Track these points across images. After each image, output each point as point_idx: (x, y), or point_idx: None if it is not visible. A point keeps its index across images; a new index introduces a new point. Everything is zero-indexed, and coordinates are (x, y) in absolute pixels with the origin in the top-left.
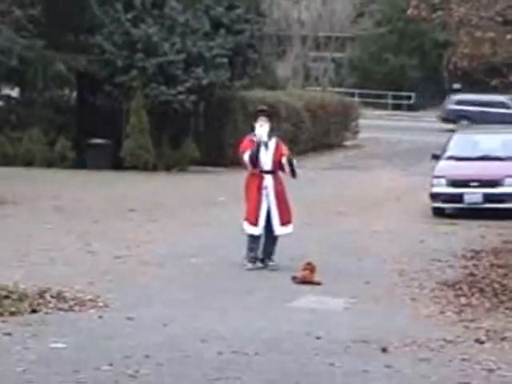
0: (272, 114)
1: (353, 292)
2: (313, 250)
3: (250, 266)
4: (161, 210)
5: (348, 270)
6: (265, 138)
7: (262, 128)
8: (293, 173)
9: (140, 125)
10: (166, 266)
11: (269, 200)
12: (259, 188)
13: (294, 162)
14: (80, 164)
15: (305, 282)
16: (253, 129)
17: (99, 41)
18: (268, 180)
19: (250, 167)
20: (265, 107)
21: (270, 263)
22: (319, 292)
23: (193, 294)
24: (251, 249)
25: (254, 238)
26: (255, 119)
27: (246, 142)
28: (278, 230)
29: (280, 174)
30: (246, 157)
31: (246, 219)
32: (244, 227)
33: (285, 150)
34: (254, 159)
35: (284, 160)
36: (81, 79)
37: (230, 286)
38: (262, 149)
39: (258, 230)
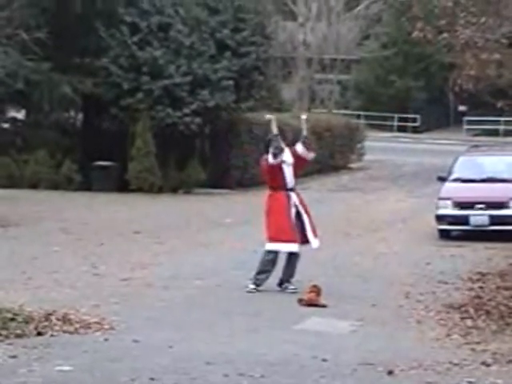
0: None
1: (359, 314)
2: (318, 272)
3: (252, 287)
4: (166, 231)
5: (354, 292)
6: (287, 157)
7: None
8: (309, 149)
9: (146, 147)
10: (171, 288)
11: (301, 216)
12: (288, 206)
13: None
14: (86, 186)
15: (311, 304)
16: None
17: (105, 63)
18: (294, 197)
19: (273, 160)
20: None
21: (290, 287)
22: (325, 314)
23: (198, 316)
24: (264, 271)
25: (271, 261)
26: (268, 145)
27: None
28: (315, 242)
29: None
30: (272, 154)
31: (276, 238)
32: (270, 246)
33: (299, 147)
34: (279, 153)
35: (299, 148)
36: (87, 102)
37: (236, 308)
38: (285, 168)
39: (296, 247)
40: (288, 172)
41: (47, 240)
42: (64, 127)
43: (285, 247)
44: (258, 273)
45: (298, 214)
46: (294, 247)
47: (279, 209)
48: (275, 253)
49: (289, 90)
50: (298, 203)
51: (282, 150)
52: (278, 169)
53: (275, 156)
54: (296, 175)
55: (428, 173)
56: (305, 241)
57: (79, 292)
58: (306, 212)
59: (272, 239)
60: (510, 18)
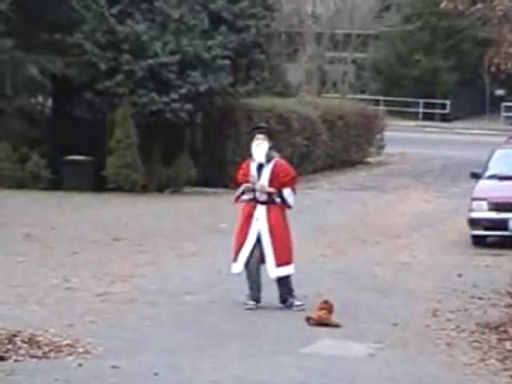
0: (271, 132)
1: (378, 335)
2: (330, 286)
3: (251, 303)
4: (151, 238)
5: (372, 309)
6: (262, 159)
7: (258, 148)
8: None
9: (126, 138)
10: (158, 304)
11: (260, 235)
12: (248, 218)
13: (286, 193)
14: (56, 185)
15: (321, 323)
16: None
17: (79, 40)
18: (260, 212)
19: (235, 202)
20: (263, 124)
21: (297, 303)
22: (338, 335)
23: (188, 337)
24: (250, 287)
25: (250, 276)
26: (252, 138)
27: (243, 169)
28: (273, 271)
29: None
30: (240, 190)
31: (233, 252)
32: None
33: (287, 176)
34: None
35: (285, 193)
36: (57, 85)
37: (233, 329)
38: (262, 179)
39: (237, 267)
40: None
41: (10, 249)
42: (30, 115)
43: (233, 266)
44: (250, 287)
45: (259, 232)
46: (234, 267)
47: (240, 219)
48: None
49: (295, 70)
50: (262, 219)
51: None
52: (247, 177)
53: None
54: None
55: (459, 168)
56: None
57: (48, 309)
58: (273, 233)
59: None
60: None
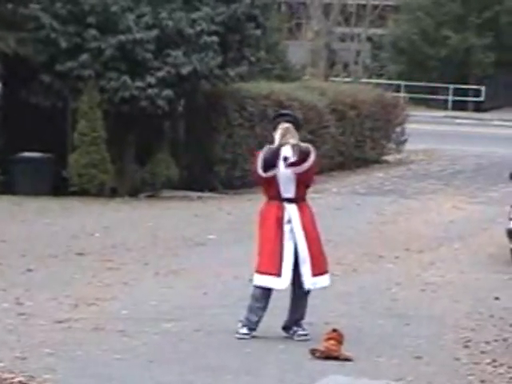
0: (299, 120)
1: (398, 371)
2: (340, 311)
3: (244, 331)
4: (122, 253)
5: (391, 339)
6: (288, 152)
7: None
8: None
9: (92, 132)
10: (130, 333)
11: (295, 239)
12: (279, 223)
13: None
14: (6, 187)
15: (329, 356)
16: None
17: (34, 12)
18: (291, 211)
19: (262, 173)
20: (288, 111)
21: (300, 332)
22: (350, 371)
23: (168, 374)
24: (254, 309)
25: (264, 297)
26: (274, 127)
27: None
28: (309, 282)
29: (307, 202)
30: (259, 159)
31: (260, 269)
32: (256, 280)
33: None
34: (268, 163)
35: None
36: (8, 66)
37: (223, 363)
38: (282, 167)
39: (283, 283)
40: (284, 177)
41: None
42: None
43: (266, 281)
44: (249, 311)
45: (293, 235)
46: (278, 283)
47: (265, 225)
48: (265, 287)
49: (298, 49)
50: (295, 220)
51: (274, 163)
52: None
53: (265, 169)
54: (303, 183)
55: (496, 169)
56: (294, 279)
57: None
58: (308, 236)
59: (257, 270)
60: None
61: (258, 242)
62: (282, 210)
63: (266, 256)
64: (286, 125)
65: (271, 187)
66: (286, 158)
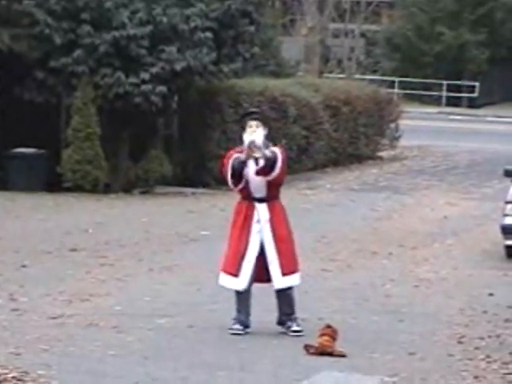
0: (264, 118)
1: (392, 367)
2: (334, 307)
3: (237, 327)
4: (116, 249)
5: (385, 335)
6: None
7: (252, 136)
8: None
9: (86, 128)
10: (125, 329)
11: (263, 239)
12: (248, 223)
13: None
14: (0, 183)
15: (323, 352)
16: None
17: (28, 8)
18: (262, 211)
19: (232, 185)
20: (254, 109)
21: (294, 327)
22: (344, 367)
23: (162, 369)
24: (239, 308)
25: (238, 295)
26: (243, 126)
27: (231, 156)
28: (279, 281)
29: (280, 200)
30: (228, 169)
31: (223, 268)
32: (220, 279)
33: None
34: (237, 173)
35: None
36: (2, 63)
37: (217, 359)
38: (252, 166)
39: (240, 284)
40: (254, 180)
41: None
42: None
43: (226, 282)
44: (237, 311)
45: (262, 236)
46: (236, 283)
47: (237, 227)
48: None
49: (292, 45)
50: (264, 220)
51: (241, 174)
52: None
53: (232, 173)
54: (274, 185)
55: (490, 165)
56: (266, 279)
57: None
58: (278, 236)
59: (221, 269)
60: None
61: (227, 240)
62: (251, 209)
63: (229, 255)
64: (254, 123)
65: (242, 189)
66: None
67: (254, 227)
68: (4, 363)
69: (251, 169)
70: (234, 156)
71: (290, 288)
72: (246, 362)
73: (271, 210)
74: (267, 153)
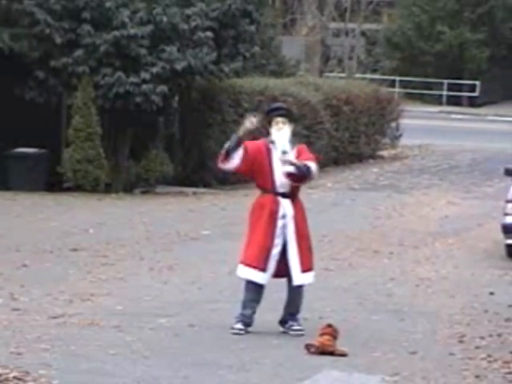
0: (292, 114)
1: (392, 366)
2: (335, 306)
3: (238, 326)
4: (116, 249)
5: (385, 334)
6: (286, 146)
7: (280, 134)
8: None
9: (87, 127)
10: (125, 328)
11: (286, 235)
12: (273, 217)
13: (312, 165)
14: (1, 183)
15: (324, 351)
16: (267, 134)
17: (29, 7)
18: (287, 206)
19: (221, 163)
20: (281, 104)
21: (295, 326)
22: (344, 366)
23: (163, 369)
24: (246, 305)
25: (254, 289)
26: (269, 122)
27: (257, 145)
28: (299, 278)
29: (300, 198)
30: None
31: (245, 261)
32: (240, 272)
33: (309, 157)
34: (231, 150)
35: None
36: (2, 62)
37: (219, 359)
38: (280, 169)
39: (265, 278)
40: (280, 175)
41: None
42: None
43: (249, 274)
44: (243, 307)
45: (285, 231)
46: (260, 277)
47: (257, 218)
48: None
49: (292, 45)
50: (289, 216)
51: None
52: (264, 161)
53: (225, 153)
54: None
55: (491, 164)
56: (282, 274)
57: None
58: (299, 233)
59: (242, 261)
60: None
61: (247, 233)
62: (276, 204)
63: (254, 248)
64: (281, 120)
65: (266, 180)
66: (284, 153)
67: (279, 222)
68: (5, 363)
69: (279, 168)
70: (241, 129)
71: (302, 287)
72: (246, 361)
73: (295, 206)
74: (298, 163)
